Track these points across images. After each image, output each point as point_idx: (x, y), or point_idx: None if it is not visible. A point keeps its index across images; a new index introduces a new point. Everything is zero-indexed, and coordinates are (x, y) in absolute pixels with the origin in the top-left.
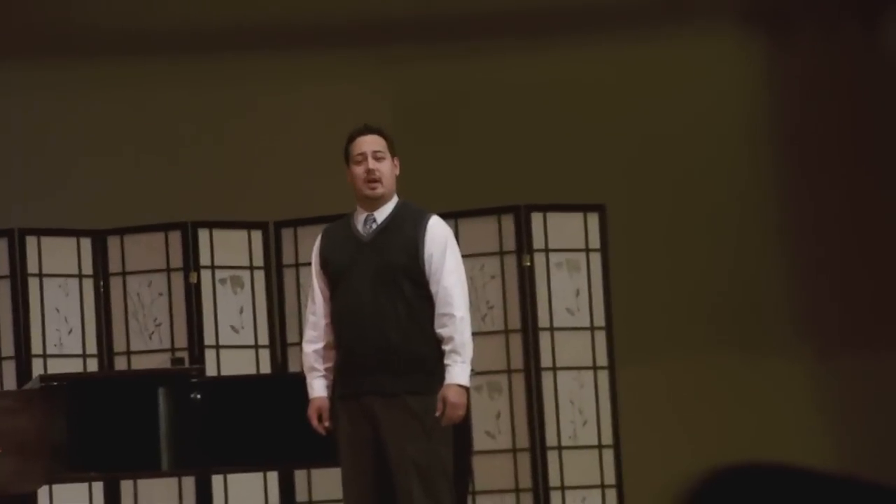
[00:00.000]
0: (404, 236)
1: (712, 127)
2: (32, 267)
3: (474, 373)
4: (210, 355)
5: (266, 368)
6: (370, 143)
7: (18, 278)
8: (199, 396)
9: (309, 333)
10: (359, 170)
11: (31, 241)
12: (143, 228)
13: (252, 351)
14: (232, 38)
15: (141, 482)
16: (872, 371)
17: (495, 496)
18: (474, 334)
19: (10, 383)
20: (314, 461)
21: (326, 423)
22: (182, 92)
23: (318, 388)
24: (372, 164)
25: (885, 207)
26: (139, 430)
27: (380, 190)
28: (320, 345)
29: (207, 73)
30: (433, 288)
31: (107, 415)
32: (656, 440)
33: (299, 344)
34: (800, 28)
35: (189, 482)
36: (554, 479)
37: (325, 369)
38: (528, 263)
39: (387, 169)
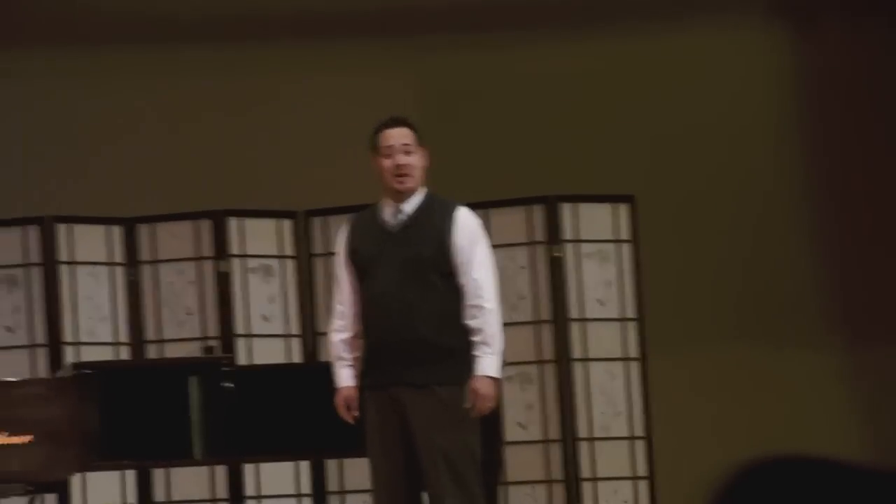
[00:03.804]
0: (433, 228)
1: (740, 118)
2: (64, 255)
3: (505, 364)
4: (241, 344)
5: (297, 357)
6: (398, 136)
7: (49, 266)
8: (230, 385)
9: (336, 323)
10: (387, 163)
11: (62, 230)
12: (174, 217)
13: (282, 340)
14: (262, 26)
15: (172, 471)
16: None
17: (526, 487)
18: (505, 325)
19: (43, 371)
20: (346, 451)
21: (355, 413)
22: (213, 80)
23: (345, 377)
24: (401, 158)
25: None
26: (170, 419)
27: (409, 184)
28: (347, 334)
29: (238, 61)
30: (462, 279)
31: (138, 403)
32: (688, 431)
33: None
34: (826, 19)
35: (221, 471)
36: (585, 471)
37: (353, 358)
38: (559, 254)
39: (415, 162)
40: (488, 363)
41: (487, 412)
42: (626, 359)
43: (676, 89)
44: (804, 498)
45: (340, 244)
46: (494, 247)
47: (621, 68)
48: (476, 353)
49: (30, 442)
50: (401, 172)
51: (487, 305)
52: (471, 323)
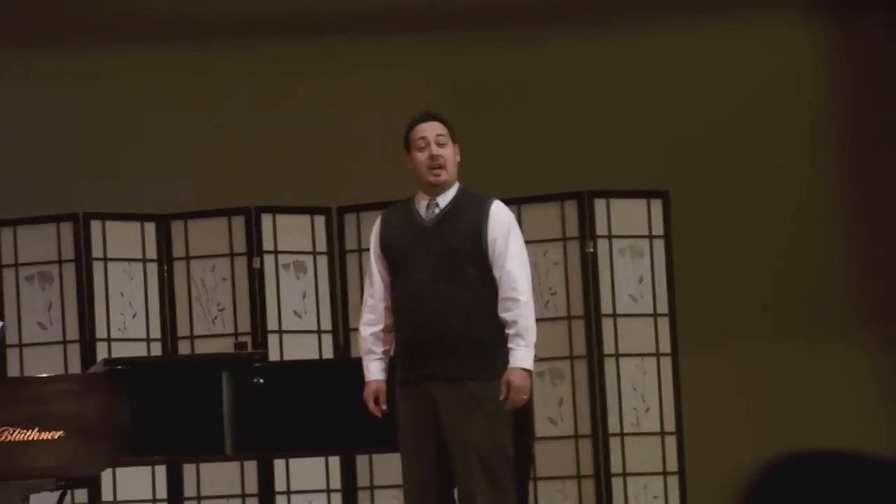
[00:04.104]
0: (467, 221)
1: (775, 113)
2: (97, 251)
3: (537, 359)
4: (273, 340)
5: (328, 353)
6: (432, 129)
7: (83, 262)
8: (261, 381)
9: (367, 316)
10: (422, 156)
11: (95, 226)
12: (207, 213)
13: (315, 336)
14: (295, 22)
15: (203, 466)
16: None
17: (557, 482)
18: (537, 321)
19: (75, 367)
20: (376, 446)
21: (383, 406)
22: (247, 76)
23: (374, 370)
24: (435, 150)
25: None
26: (202, 414)
27: (443, 176)
28: (378, 327)
29: (269, 58)
30: (496, 273)
31: (170, 398)
32: (719, 427)
33: None
34: (864, 14)
35: (251, 466)
36: (616, 466)
37: (383, 352)
38: (591, 250)
39: (449, 155)
40: (522, 356)
41: (521, 405)
42: (657, 354)
43: (712, 85)
44: (836, 493)
45: (373, 237)
46: (527, 242)
47: (656, 64)
48: (510, 345)
49: (61, 437)
50: (435, 164)
51: (522, 298)
52: (505, 315)
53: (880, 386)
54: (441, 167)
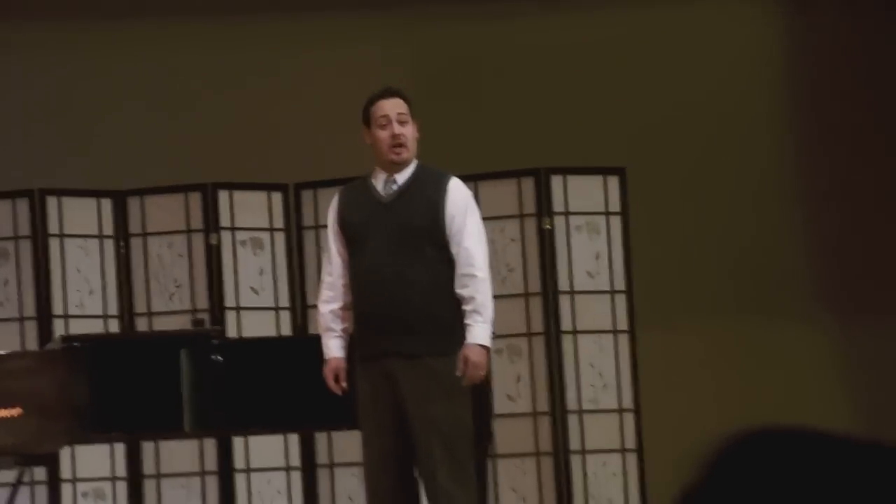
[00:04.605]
0: (425, 198)
1: (732, 91)
2: (53, 228)
3: (495, 336)
4: (230, 317)
5: (286, 330)
6: (393, 107)
7: (39, 239)
8: (219, 358)
9: (325, 294)
10: (383, 134)
11: (51, 202)
12: (164, 190)
13: (272, 313)
14: None
15: (162, 444)
16: (893, 335)
17: (515, 460)
18: (494, 297)
19: (32, 344)
20: (335, 423)
21: (343, 384)
22: (202, 53)
23: (334, 348)
24: (397, 128)
25: None
26: (160, 391)
27: (405, 155)
28: (337, 305)
29: (228, 35)
30: (454, 249)
31: (128, 376)
32: (677, 404)
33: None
34: None
35: (210, 444)
36: (574, 443)
37: (342, 330)
38: (548, 226)
39: (410, 133)
40: (479, 331)
41: (478, 381)
42: (615, 331)
43: (668, 62)
44: (792, 469)
45: (331, 214)
46: (484, 219)
47: (612, 41)
48: (467, 321)
49: (19, 415)
50: (397, 143)
51: (479, 274)
52: (462, 292)
53: (838, 363)
54: (402, 146)
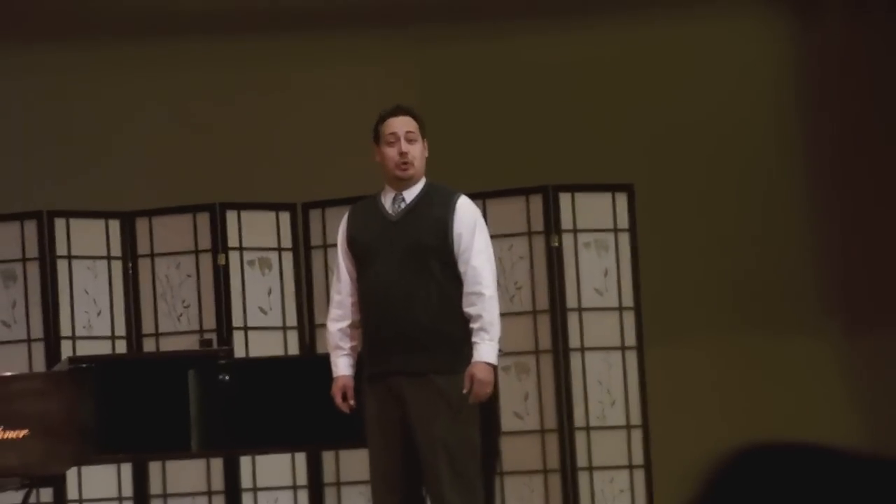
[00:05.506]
0: (433, 216)
1: (739, 106)
2: (61, 249)
3: (502, 353)
4: (238, 337)
5: (294, 350)
6: (402, 125)
7: (47, 260)
8: (227, 378)
9: (334, 312)
10: (391, 151)
11: (59, 223)
12: (172, 210)
13: (280, 332)
14: (261, 18)
15: (169, 464)
16: None
17: (523, 477)
18: (502, 315)
19: (39, 365)
20: (342, 442)
21: (351, 402)
22: (209, 73)
23: (342, 366)
24: (405, 146)
25: None
26: (167, 412)
27: (411, 171)
28: (345, 323)
29: (235, 55)
30: (462, 267)
31: (135, 396)
32: (685, 420)
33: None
34: (826, 6)
35: (217, 463)
36: (582, 460)
37: (350, 348)
38: (557, 244)
39: (418, 151)
40: (486, 350)
41: (485, 399)
42: (622, 348)
43: (676, 78)
44: (798, 484)
45: (340, 233)
46: (492, 237)
47: (620, 57)
48: (474, 339)
49: (26, 436)
50: (405, 160)
51: (486, 292)
52: (469, 310)
53: (845, 376)
54: (409, 163)
